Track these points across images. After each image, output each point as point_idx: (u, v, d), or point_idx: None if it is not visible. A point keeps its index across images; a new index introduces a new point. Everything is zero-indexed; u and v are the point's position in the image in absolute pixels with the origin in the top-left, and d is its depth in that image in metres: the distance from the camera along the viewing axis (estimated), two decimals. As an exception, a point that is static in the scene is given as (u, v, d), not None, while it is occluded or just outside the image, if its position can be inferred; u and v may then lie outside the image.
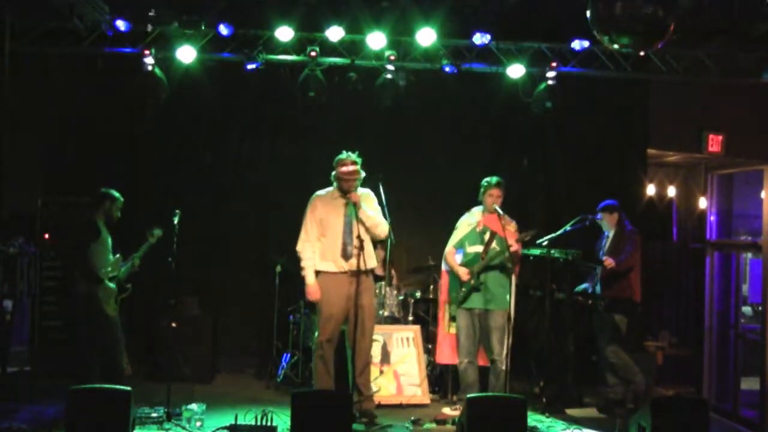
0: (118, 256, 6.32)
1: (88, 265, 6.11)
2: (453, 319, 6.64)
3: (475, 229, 6.56)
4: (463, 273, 6.44)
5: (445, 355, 6.77)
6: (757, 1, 6.34)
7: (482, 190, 6.49)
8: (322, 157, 6.30)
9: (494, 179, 6.46)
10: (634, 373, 6.74)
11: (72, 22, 6.67)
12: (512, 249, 6.20)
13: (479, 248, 6.46)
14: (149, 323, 7.37)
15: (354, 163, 6.03)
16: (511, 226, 6.50)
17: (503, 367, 6.26)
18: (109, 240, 6.27)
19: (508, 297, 6.30)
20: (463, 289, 6.44)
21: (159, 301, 6.95)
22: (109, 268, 6.23)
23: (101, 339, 6.14)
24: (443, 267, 6.81)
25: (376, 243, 6.47)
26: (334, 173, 6.08)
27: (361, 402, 6.03)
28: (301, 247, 6.12)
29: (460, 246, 6.60)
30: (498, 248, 6.35)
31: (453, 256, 6.61)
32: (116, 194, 6.31)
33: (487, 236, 6.44)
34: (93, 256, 6.12)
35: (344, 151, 6.07)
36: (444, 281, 6.79)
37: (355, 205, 5.99)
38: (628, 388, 6.77)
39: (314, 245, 6.10)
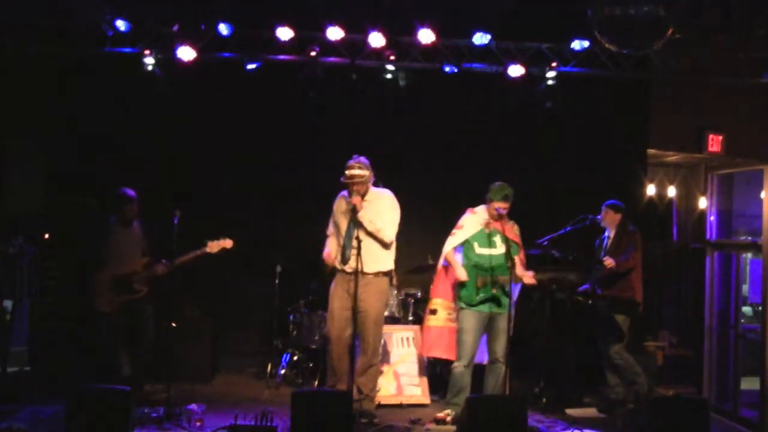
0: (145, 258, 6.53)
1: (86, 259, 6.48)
2: (433, 312, 6.56)
3: (483, 230, 6.44)
4: (463, 274, 6.30)
5: (427, 347, 6.61)
6: (757, 1, 6.34)
7: (489, 195, 6.37)
8: (322, 157, 6.30)
9: (502, 193, 6.30)
10: (637, 374, 6.73)
11: (72, 22, 6.67)
12: (524, 277, 6.36)
13: (491, 251, 6.33)
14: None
15: (356, 167, 6.05)
16: (515, 228, 6.49)
17: (505, 369, 6.24)
18: (124, 238, 6.50)
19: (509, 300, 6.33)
20: (481, 294, 6.29)
21: (159, 302, 6.93)
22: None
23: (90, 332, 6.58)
24: (443, 263, 6.59)
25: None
26: None
27: (360, 401, 6.04)
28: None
29: (463, 245, 6.50)
30: (510, 252, 6.29)
31: (454, 255, 6.49)
32: (128, 194, 6.54)
33: (497, 239, 6.34)
34: (96, 251, 6.49)
35: (354, 156, 6.12)
36: (448, 277, 6.55)
37: (355, 209, 6.01)
38: (630, 389, 6.76)
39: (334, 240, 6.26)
